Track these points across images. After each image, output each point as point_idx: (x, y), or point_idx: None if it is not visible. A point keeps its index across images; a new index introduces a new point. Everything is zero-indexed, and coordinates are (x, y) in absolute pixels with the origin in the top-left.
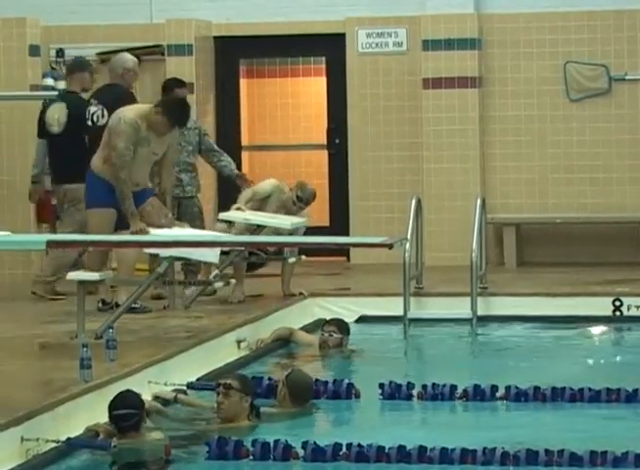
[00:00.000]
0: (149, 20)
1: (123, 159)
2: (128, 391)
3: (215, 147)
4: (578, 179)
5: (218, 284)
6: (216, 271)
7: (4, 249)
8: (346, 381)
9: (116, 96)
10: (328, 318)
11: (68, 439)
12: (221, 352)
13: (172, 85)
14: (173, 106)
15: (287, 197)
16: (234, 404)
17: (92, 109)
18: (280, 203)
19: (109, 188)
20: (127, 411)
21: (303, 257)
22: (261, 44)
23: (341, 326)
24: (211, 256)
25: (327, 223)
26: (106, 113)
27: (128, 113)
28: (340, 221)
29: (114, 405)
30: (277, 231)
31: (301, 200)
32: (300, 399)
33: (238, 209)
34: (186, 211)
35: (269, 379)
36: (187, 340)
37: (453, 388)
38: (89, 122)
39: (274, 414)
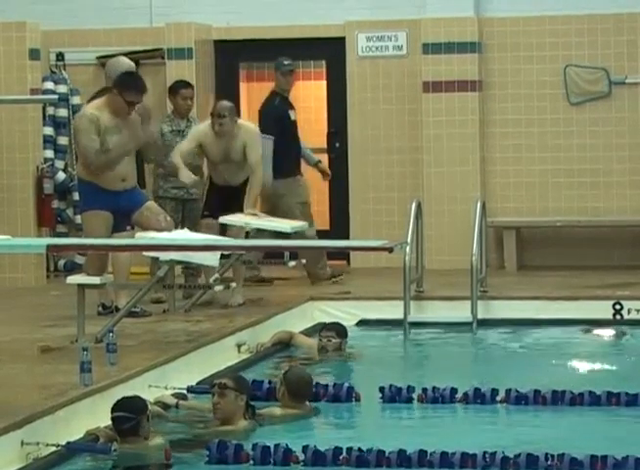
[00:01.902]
0: (149, 23)
1: (93, 152)
2: (134, 395)
3: None
4: (578, 183)
5: (218, 287)
6: (216, 275)
7: (4, 252)
8: (347, 384)
9: None
10: (326, 323)
11: (69, 443)
12: (221, 356)
13: (178, 86)
14: (124, 79)
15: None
16: (230, 404)
17: None
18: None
19: (97, 191)
20: (124, 414)
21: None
22: (261, 48)
23: (338, 330)
24: (211, 259)
25: (327, 227)
26: None
27: (86, 108)
28: (340, 225)
29: (113, 408)
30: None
31: (213, 114)
32: (299, 396)
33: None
34: (190, 214)
35: (269, 382)
36: (187, 344)
37: (453, 391)
38: None
39: (275, 415)
